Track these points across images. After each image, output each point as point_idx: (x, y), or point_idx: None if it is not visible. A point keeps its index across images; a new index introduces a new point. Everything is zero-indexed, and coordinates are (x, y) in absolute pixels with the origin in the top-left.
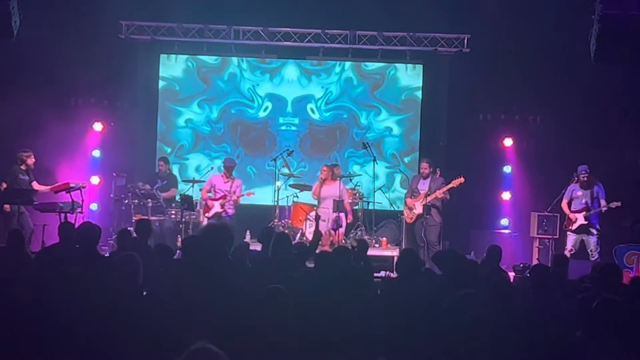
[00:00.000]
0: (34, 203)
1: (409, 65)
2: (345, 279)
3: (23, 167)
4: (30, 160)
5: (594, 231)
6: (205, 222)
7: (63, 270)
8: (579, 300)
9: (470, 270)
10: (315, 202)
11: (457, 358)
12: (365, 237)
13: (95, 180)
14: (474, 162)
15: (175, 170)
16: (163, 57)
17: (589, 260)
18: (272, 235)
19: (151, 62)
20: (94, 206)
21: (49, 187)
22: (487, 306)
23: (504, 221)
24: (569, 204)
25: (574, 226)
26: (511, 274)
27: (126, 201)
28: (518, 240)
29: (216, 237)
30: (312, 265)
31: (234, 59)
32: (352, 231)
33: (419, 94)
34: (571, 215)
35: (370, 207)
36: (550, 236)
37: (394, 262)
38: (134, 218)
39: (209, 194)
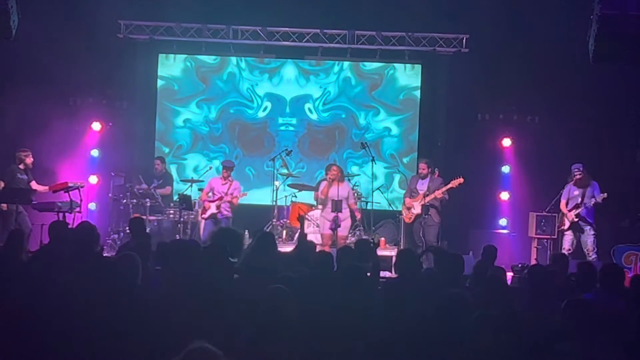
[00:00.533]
0: (33, 202)
1: (408, 65)
2: (346, 278)
3: (21, 166)
4: (29, 160)
5: (590, 230)
6: (202, 222)
7: (59, 271)
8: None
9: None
10: (314, 202)
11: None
12: (364, 237)
13: (93, 179)
14: (472, 162)
15: (173, 170)
16: (162, 56)
17: (586, 260)
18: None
19: (150, 61)
20: (92, 206)
21: (47, 186)
22: (481, 305)
23: (503, 221)
24: (567, 204)
25: (566, 225)
26: (509, 274)
27: (124, 201)
28: (516, 240)
29: (225, 241)
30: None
31: (233, 59)
32: (351, 231)
33: (418, 93)
34: (568, 215)
35: (369, 207)
36: (549, 236)
37: (393, 262)
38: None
39: (208, 196)
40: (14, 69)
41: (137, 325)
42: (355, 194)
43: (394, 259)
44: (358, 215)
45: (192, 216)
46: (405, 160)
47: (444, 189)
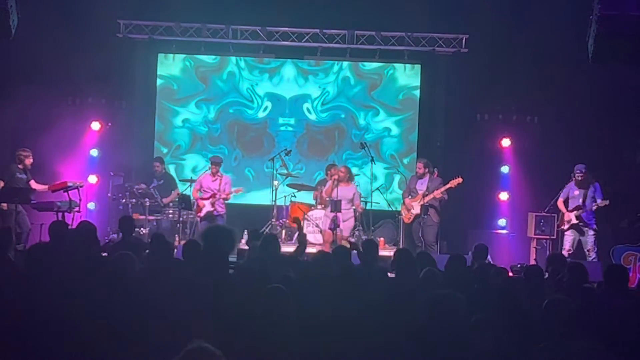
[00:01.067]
0: (32, 202)
1: (407, 65)
2: (343, 278)
3: (20, 166)
4: (28, 161)
5: (589, 231)
6: (199, 222)
7: (56, 270)
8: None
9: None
10: (313, 202)
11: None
12: (364, 238)
13: (92, 179)
14: (471, 163)
15: (172, 170)
16: (161, 56)
17: (586, 261)
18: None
19: (149, 61)
20: (91, 205)
21: (46, 186)
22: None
23: (502, 221)
24: (566, 203)
25: (566, 225)
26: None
27: (123, 200)
28: (515, 240)
29: (217, 239)
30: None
31: (233, 58)
32: (350, 231)
33: (417, 93)
34: (566, 214)
35: (368, 207)
36: (548, 236)
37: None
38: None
39: (199, 194)
40: (14, 69)
41: (136, 325)
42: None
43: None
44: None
45: (192, 216)
46: (405, 161)
47: (442, 189)
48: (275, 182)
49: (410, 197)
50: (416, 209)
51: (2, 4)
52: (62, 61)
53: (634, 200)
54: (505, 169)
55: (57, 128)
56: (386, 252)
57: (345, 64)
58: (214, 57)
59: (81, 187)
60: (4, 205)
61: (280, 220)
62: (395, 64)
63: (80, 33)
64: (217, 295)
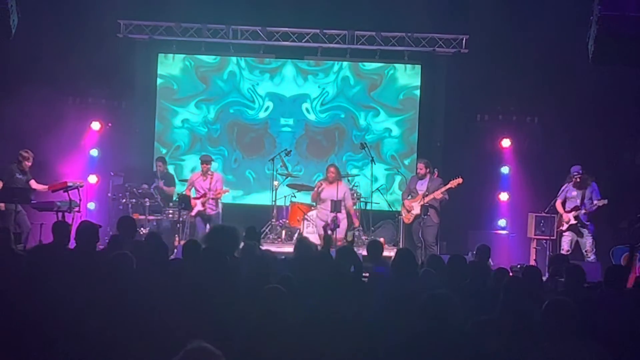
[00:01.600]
0: (32, 202)
1: (408, 66)
2: (343, 279)
3: (20, 166)
4: (27, 162)
5: (587, 231)
6: (195, 221)
7: (60, 270)
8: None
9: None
10: (313, 203)
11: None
12: (363, 238)
13: (92, 179)
14: (471, 163)
15: (171, 171)
16: (161, 56)
17: (585, 262)
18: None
19: (149, 61)
20: (91, 205)
21: (46, 186)
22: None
23: (502, 222)
24: (564, 204)
25: (565, 226)
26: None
27: (124, 200)
28: (515, 241)
29: (221, 238)
30: None
31: (233, 58)
32: (350, 231)
33: (418, 92)
34: (564, 215)
35: (368, 207)
36: (548, 237)
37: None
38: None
39: (192, 193)
40: (14, 69)
41: (135, 325)
42: (355, 195)
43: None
44: (356, 223)
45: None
46: (406, 162)
47: (443, 189)
48: (275, 183)
49: (410, 197)
50: (416, 210)
51: (2, 3)
52: (62, 61)
53: (633, 201)
54: (505, 170)
55: (57, 128)
56: (386, 252)
57: (345, 64)
58: (214, 57)
59: (81, 187)
60: (3, 205)
61: (280, 221)
62: (395, 64)
63: (81, 33)
64: (217, 295)
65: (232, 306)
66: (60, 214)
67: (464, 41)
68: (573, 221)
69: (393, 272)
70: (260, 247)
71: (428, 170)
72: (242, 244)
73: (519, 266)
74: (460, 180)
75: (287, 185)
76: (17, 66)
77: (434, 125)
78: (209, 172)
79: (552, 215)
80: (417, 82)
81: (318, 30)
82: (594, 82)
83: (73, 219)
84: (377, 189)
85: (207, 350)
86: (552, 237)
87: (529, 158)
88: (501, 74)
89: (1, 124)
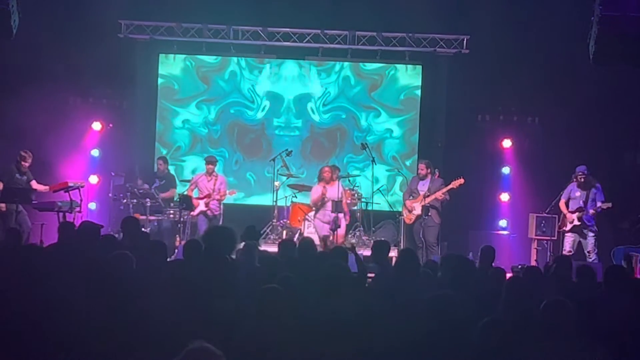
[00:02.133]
0: (33, 202)
1: (409, 66)
2: (341, 279)
3: (19, 166)
4: (25, 163)
5: (590, 232)
6: (197, 221)
7: (60, 270)
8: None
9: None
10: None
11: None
12: (364, 238)
13: (93, 179)
14: (472, 163)
15: (171, 171)
16: (162, 56)
17: (586, 262)
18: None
19: (150, 61)
20: (92, 205)
21: (47, 186)
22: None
23: (503, 222)
24: (567, 204)
25: (568, 226)
26: (509, 275)
27: (124, 200)
28: (516, 241)
29: (218, 240)
30: None
31: (234, 58)
32: (351, 231)
33: (419, 92)
34: (568, 216)
35: (369, 207)
36: (549, 237)
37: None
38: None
39: (195, 193)
40: (15, 69)
41: (136, 325)
42: (356, 195)
43: (394, 260)
44: (347, 219)
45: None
46: (407, 162)
47: (444, 189)
48: (276, 183)
49: (411, 198)
50: (417, 210)
51: (3, 4)
52: (63, 61)
53: (634, 201)
54: (506, 170)
55: (58, 128)
56: None
57: (346, 63)
58: (215, 57)
59: (82, 187)
60: (3, 205)
61: (281, 221)
62: (396, 65)
63: (81, 33)
64: (216, 295)
65: (233, 306)
66: (61, 214)
67: (464, 41)
68: (577, 222)
69: (396, 272)
70: (259, 247)
71: (429, 170)
72: (242, 244)
73: (519, 267)
74: (461, 180)
75: (288, 186)
76: (18, 66)
77: (434, 125)
78: (214, 174)
79: (553, 215)
80: (418, 82)
81: (319, 31)
82: (595, 83)
83: (74, 219)
84: (378, 189)
85: (208, 350)
86: (553, 238)
87: (529, 158)
88: (502, 74)
89: (2, 124)
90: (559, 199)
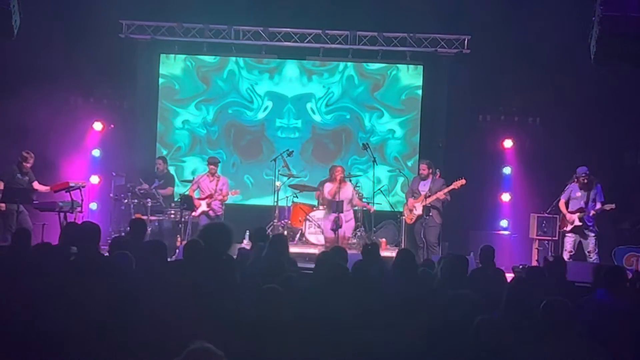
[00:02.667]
0: (34, 202)
1: (410, 66)
2: (340, 279)
3: (21, 167)
4: (26, 163)
5: (591, 233)
6: (198, 221)
7: (61, 269)
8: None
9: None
10: (315, 202)
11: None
12: (365, 237)
13: (94, 179)
14: (473, 164)
15: (172, 171)
16: (162, 56)
17: (587, 262)
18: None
19: (151, 61)
20: (93, 205)
21: (48, 186)
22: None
23: (504, 222)
24: (567, 204)
25: (569, 227)
26: (510, 275)
27: (125, 201)
28: (517, 241)
29: (214, 237)
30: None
31: (233, 57)
32: (352, 231)
33: (420, 92)
34: (568, 216)
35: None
36: (550, 237)
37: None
38: (133, 217)
39: (196, 194)
40: (16, 69)
41: (137, 326)
42: (357, 195)
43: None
44: (372, 208)
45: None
46: (409, 163)
47: (446, 190)
48: (278, 183)
49: (412, 197)
50: (418, 210)
51: (4, 4)
52: (64, 61)
53: (635, 201)
54: (507, 170)
55: (59, 128)
56: (388, 252)
57: (349, 63)
58: (214, 56)
59: (83, 187)
60: (3, 205)
61: (282, 221)
62: (398, 65)
63: (82, 33)
64: (216, 295)
65: (233, 306)
66: (62, 215)
67: (466, 41)
68: (578, 223)
69: (394, 272)
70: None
71: (430, 171)
72: (250, 245)
73: (520, 267)
74: (463, 181)
75: (289, 186)
76: (19, 67)
77: (436, 125)
78: (217, 175)
79: (554, 215)
80: (419, 82)
81: (320, 31)
82: (596, 83)
83: (75, 219)
84: (379, 189)
85: (209, 350)
86: (554, 238)
87: (530, 158)
88: (503, 74)
89: (3, 124)
90: (559, 199)
